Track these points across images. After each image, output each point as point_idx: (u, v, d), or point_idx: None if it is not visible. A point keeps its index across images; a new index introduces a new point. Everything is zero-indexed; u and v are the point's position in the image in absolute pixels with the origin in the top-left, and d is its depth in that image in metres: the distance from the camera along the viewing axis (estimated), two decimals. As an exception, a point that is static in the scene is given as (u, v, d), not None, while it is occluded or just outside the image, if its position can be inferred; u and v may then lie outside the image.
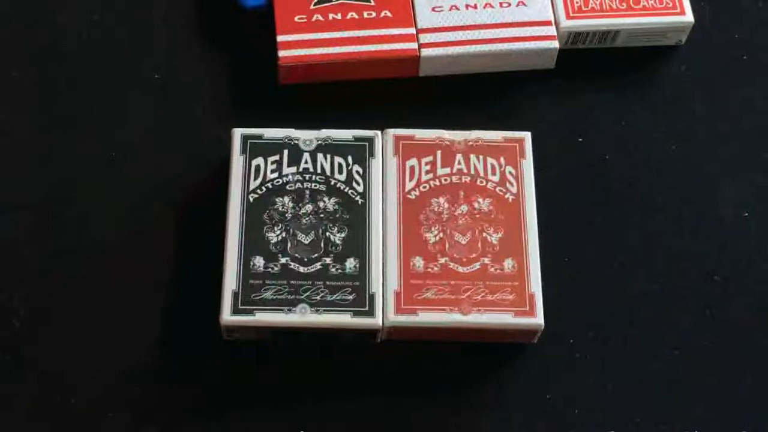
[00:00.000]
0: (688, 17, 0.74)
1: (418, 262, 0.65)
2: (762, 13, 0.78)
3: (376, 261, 0.65)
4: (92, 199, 0.70)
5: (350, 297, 0.64)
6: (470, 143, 0.69)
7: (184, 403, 0.65)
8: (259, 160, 0.67)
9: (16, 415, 0.64)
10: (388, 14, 0.73)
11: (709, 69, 0.76)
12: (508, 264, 0.65)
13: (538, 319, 0.64)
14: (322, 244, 0.65)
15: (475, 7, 0.74)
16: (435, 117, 0.72)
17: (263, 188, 0.67)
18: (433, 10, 0.73)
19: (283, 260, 0.65)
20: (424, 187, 0.67)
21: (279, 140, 0.68)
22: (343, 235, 0.66)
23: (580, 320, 0.67)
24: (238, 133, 0.68)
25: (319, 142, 0.68)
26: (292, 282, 0.64)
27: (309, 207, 0.66)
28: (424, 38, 0.73)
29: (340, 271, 0.65)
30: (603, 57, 0.75)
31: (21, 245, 0.68)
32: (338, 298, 0.64)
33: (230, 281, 0.64)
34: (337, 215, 0.66)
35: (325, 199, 0.67)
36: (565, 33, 0.74)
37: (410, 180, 0.68)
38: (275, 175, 0.67)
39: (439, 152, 0.68)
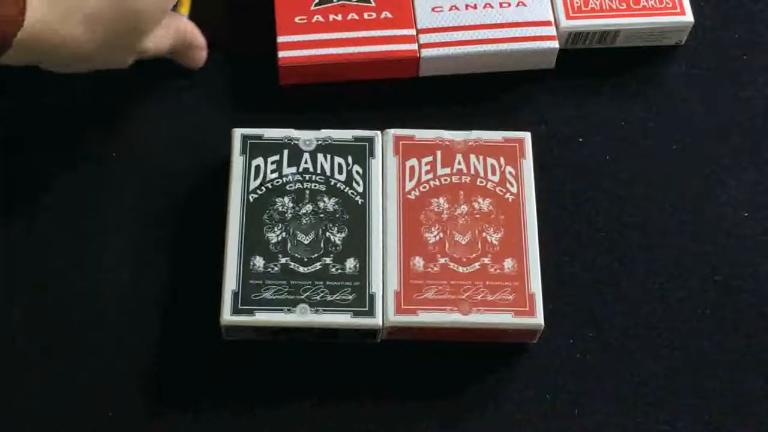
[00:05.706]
0: (688, 17, 0.74)
1: (418, 262, 0.65)
2: (762, 13, 0.78)
3: (376, 261, 0.65)
4: (92, 199, 0.70)
5: (350, 297, 0.64)
6: (470, 143, 0.69)
7: (184, 403, 0.65)
8: (259, 160, 0.67)
9: (16, 415, 0.64)
10: (389, 15, 0.73)
11: (709, 69, 0.76)
12: (508, 264, 0.65)
13: (538, 319, 0.64)
14: (322, 244, 0.65)
15: (475, 7, 0.74)
16: (435, 117, 0.72)
17: (263, 188, 0.67)
18: (433, 10, 0.73)
19: (283, 260, 0.65)
20: (424, 187, 0.67)
21: (279, 140, 0.68)
22: (343, 235, 0.66)
23: (580, 320, 0.67)
24: (238, 133, 0.68)
25: (319, 142, 0.68)
26: (292, 282, 0.64)
27: (309, 207, 0.66)
28: (424, 38, 0.73)
29: (340, 271, 0.65)
30: (603, 57, 0.75)
31: (21, 245, 0.68)
32: (338, 298, 0.64)
33: (230, 281, 0.64)
34: (337, 215, 0.66)
35: (325, 199, 0.67)
36: (565, 33, 0.74)
37: (410, 180, 0.68)
38: (275, 175, 0.67)
39: (439, 152, 0.68)
